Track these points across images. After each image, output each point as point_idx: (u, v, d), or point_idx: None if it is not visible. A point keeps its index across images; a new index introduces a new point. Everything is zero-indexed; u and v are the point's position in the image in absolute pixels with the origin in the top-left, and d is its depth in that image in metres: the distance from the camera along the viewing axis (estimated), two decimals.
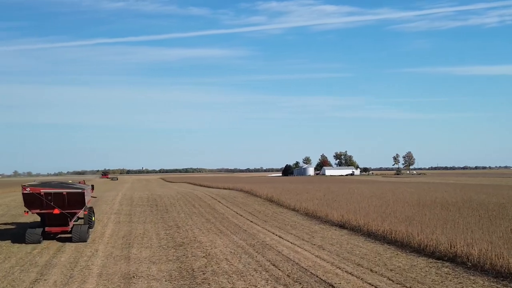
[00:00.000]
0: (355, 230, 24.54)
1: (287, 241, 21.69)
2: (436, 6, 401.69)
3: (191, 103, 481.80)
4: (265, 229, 25.63)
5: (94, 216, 27.27)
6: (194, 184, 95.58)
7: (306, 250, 19.27)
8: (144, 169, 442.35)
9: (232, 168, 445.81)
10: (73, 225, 22.76)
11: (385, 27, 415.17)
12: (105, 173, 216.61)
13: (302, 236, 23.11)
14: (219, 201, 43.49)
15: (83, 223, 24.38)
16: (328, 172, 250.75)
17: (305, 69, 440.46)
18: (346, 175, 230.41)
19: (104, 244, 21.37)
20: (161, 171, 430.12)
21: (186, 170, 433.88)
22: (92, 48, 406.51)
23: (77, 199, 22.26)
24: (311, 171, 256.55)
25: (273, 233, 24.01)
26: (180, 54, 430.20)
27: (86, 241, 21.79)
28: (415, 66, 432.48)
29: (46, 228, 22.36)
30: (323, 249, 19.48)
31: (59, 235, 23.12)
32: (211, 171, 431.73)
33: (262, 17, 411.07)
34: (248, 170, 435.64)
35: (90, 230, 23.96)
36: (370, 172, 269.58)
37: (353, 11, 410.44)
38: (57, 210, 21.79)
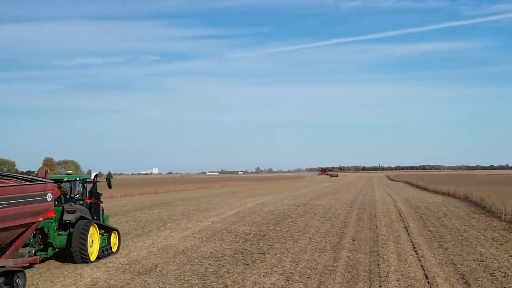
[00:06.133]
0: None
1: None
2: None
3: (424, 97, 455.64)
4: None
5: (116, 236, 16.55)
6: (411, 184, 73.60)
7: None
8: (380, 166, 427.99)
9: (474, 165, 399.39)
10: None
11: None
12: (324, 170, 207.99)
13: None
14: (406, 226, 21.87)
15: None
16: None
17: None
18: None
19: None
20: (397, 168, 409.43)
21: (423, 167, 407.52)
22: (329, 48, 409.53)
23: None
24: None
25: None
26: (422, 48, 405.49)
27: None
28: None
29: None
30: None
31: None
32: (450, 168, 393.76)
33: (505, 5, 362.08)
34: (491, 167, 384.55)
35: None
36: None
37: None
38: None
